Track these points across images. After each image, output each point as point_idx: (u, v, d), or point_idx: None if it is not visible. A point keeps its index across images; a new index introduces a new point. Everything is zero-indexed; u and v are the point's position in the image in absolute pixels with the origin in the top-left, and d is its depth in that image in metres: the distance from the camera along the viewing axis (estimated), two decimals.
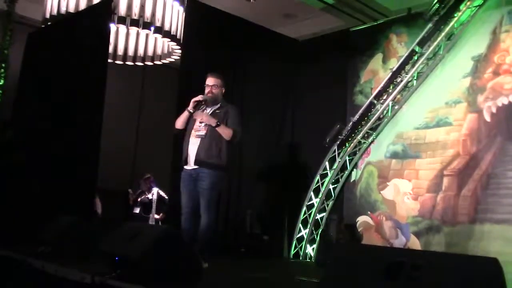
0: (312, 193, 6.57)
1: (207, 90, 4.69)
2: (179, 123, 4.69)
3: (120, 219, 7.57)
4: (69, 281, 3.21)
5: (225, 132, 4.52)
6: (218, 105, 4.69)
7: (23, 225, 4.98)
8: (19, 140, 6.31)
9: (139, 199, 8.14)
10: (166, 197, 7.81)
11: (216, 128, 4.50)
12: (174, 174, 5.88)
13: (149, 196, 8.07)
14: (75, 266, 3.36)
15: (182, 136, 4.71)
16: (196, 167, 4.52)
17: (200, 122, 4.61)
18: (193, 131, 4.60)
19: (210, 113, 4.65)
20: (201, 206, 4.46)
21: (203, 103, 4.64)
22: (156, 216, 7.97)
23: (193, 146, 4.55)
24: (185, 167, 4.59)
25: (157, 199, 8.01)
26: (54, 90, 6.13)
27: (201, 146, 4.50)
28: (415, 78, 6.02)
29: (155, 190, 8.06)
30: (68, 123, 5.85)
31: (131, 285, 2.80)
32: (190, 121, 4.69)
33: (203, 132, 4.53)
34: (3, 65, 6.71)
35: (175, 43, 6.92)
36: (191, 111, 4.63)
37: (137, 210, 8.10)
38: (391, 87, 6.18)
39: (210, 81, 4.70)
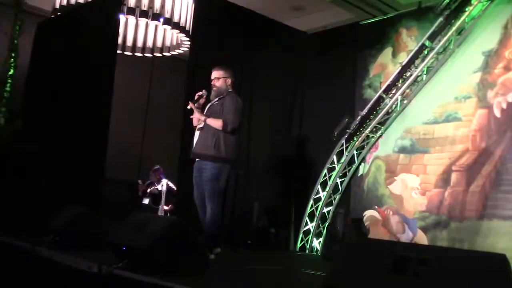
0: (319, 187, 6.57)
1: (211, 84, 4.72)
2: (194, 120, 4.73)
3: (128, 210, 7.60)
4: (76, 270, 3.23)
5: (215, 124, 4.50)
6: (221, 96, 4.70)
7: (32, 214, 5.02)
8: (28, 129, 6.34)
9: (148, 190, 8.17)
10: (175, 189, 7.83)
11: (206, 122, 4.52)
12: (182, 166, 5.92)
13: (159, 187, 8.10)
14: (83, 255, 3.38)
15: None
16: (197, 159, 4.58)
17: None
18: (198, 125, 4.66)
19: (208, 106, 4.68)
20: (205, 197, 4.49)
21: (203, 97, 4.67)
22: (165, 208, 8.00)
23: (195, 139, 4.64)
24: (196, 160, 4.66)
25: (166, 191, 8.02)
26: (63, 80, 6.15)
27: (199, 139, 4.57)
28: (424, 72, 5.98)
29: (164, 181, 8.08)
30: (77, 114, 5.87)
31: (137, 275, 2.81)
32: None
33: (201, 125, 4.58)
34: (13, 54, 6.74)
35: (184, 35, 6.92)
36: (189, 107, 4.67)
37: (146, 201, 8.13)
38: (400, 81, 6.15)
39: (212, 74, 4.72)
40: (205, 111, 4.65)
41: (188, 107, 4.65)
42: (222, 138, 4.49)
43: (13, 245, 4.12)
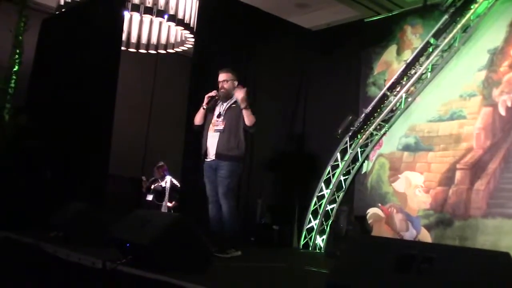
0: (323, 184, 6.57)
1: (219, 86, 4.74)
2: (197, 119, 4.80)
3: (132, 206, 7.62)
4: (81, 266, 3.25)
5: (250, 118, 4.59)
6: (234, 99, 4.73)
7: (36, 210, 5.04)
8: (32, 125, 6.36)
9: (152, 187, 8.19)
10: (179, 185, 7.85)
11: (243, 110, 4.57)
12: (185, 163, 5.93)
13: (162, 184, 8.12)
14: (87, 251, 3.39)
15: (201, 130, 4.79)
16: (216, 159, 4.62)
17: (218, 117, 4.68)
18: (211, 126, 4.69)
19: (226, 107, 4.71)
20: (219, 194, 4.54)
21: (216, 98, 4.70)
22: (169, 204, 8.02)
23: (212, 139, 4.65)
24: (205, 159, 4.67)
25: (170, 187, 8.05)
26: (67, 77, 6.16)
27: (220, 140, 4.59)
28: (429, 70, 5.96)
29: (168, 178, 8.11)
30: (81, 110, 5.89)
31: (141, 272, 2.82)
32: (207, 116, 4.77)
33: (221, 127, 4.63)
34: (18, 51, 6.76)
35: (188, 32, 6.92)
36: (204, 107, 4.73)
37: (150, 198, 8.16)
38: (404, 79, 6.13)
39: (220, 77, 4.77)
40: (223, 112, 4.68)
41: (203, 106, 4.71)
42: (242, 139, 4.63)
43: (17, 240, 4.14)
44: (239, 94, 4.61)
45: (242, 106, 4.57)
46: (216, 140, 4.60)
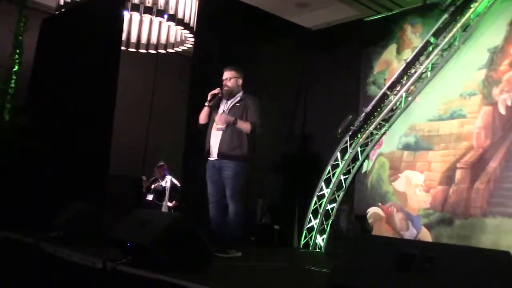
0: (323, 184, 6.57)
1: (223, 84, 4.74)
2: (202, 118, 4.78)
3: (132, 206, 7.63)
4: (81, 266, 3.25)
5: (244, 127, 4.59)
6: (238, 97, 4.71)
7: (36, 210, 5.04)
8: (32, 125, 6.36)
9: (152, 186, 8.20)
10: (179, 185, 7.85)
11: (237, 125, 4.55)
12: (186, 162, 5.92)
13: (163, 183, 8.12)
14: (87, 251, 3.39)
15: (205, 129, 4.78)
16: (218, 158, 4.58)
17: (221, 115, 4.65)
18: (214, 124, 4.67)
19: (230, 106, 4.69)
20: (226, 195, 4.54)
21: (219, 95, 4.68)
22: (169, 204, 8.03)
23: (215, 138, 4.63)
24: (209, 158, 4.65)
25: (170, 187, 8.05)
26: (67, 77, 6.16)
27: (223, 139, 4.58)
28: (429, 69, 5.96)
29: (168, 178, 8.11)
30: (81, 110, 5.89)
31: (141, 271, 2.82)
32: (212, 115, 4.76)
33: (223, 126, 4.60)
34: (18, 51, 6.74)
35: (188, 31, 6.92)
36: (207, 104, 4.70)
37: (150, 197, 8.16)
38: (404, 78, 6.13)
39: (224, 75, 4.76)
40: (227, 110, 4.66)
41: (206, 103, 4.68)
42: (245, 139, 4.59)
43: (18, 240, 4.14)
44: (219, 123, 4.59)
45: (232, 123, 4.54)
46: (219, 139, 4.59)
